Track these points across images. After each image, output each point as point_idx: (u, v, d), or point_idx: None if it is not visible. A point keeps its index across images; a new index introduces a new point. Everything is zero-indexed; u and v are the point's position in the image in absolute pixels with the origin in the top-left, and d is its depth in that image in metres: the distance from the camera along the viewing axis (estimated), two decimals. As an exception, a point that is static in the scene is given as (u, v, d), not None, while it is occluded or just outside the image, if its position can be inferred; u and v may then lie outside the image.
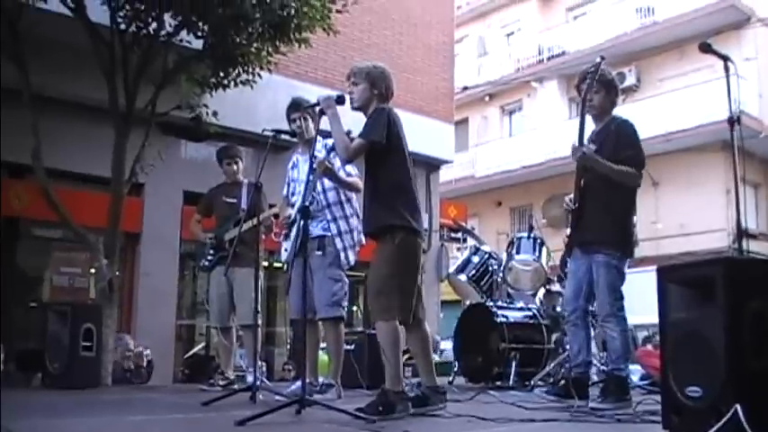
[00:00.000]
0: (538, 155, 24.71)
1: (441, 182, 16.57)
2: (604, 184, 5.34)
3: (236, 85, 9.44)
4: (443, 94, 15.64)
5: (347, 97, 4.88)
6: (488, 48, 29.38)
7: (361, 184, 5.39)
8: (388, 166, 4.71)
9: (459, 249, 19.05)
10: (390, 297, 4.59)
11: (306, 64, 12.68)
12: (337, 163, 5.66)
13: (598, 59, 5.38)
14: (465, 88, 26.51)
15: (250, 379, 6.54)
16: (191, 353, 12.68)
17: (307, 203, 4.70)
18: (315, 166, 4.99)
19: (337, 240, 6.00)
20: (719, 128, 16.98)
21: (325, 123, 4.83)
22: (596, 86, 5.41)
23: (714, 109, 18.43)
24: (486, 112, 28.90)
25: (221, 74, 9.31)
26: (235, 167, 7.50)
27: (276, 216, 6.67)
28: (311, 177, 4.97)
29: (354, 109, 4.94)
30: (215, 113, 9.84)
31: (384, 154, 4.68)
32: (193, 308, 13.22)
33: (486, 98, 28.50)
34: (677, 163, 22.08)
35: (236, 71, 9.26)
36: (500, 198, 27.02)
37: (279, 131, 6.00)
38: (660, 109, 22.23)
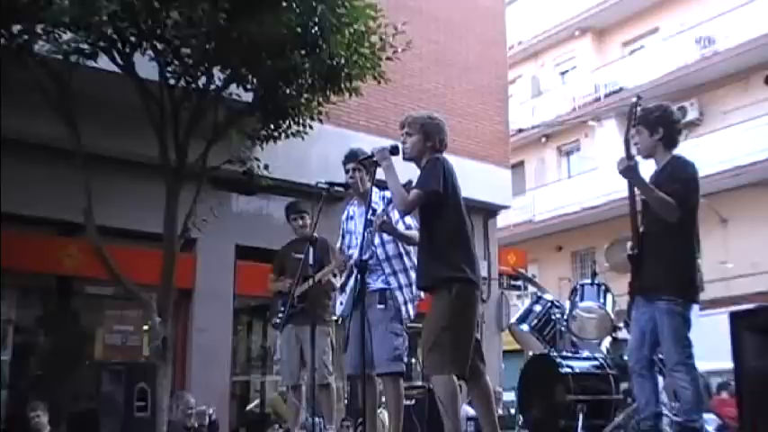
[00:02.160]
0: (598, 196, 24.41)
1: (498, 228, 16.56)
2: (663, 228, 5.30)
3: (287, 136, 9.58)
4: (498, 138, 15.70)
5: (401, 147, 4.96)
6: (543, 87, 29.39)
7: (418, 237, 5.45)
8: (444, 216, 4.77)
9: (519, 297, 18.90)
10: (444, 351, 4.62)
11: (357, 113, 12.84)
12: (395, 215, 5.73)
13: (633, 99, 5.38)
14: (520, 130, 26.48)
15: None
16: (246, 409, 12.74)
17: (365, 257, 4.77)
18: (373, 222, 5.06)
19: (398, 294, 5.99)
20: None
21: (380, 174, 4.92)
22: (637, 127, 5.42)
23: (786, 140, 18.12)
24: (543, 154, 28.82)
25: (272, 126, 9.46)
26: (300, 222, 7.61)
27: (334, 275, 6.78)
28: (369, 230, 5.04)
29: (406, 159, 5.03)
30: (266, 166, 9.95)
31: (439, 205, 4.75)
32: (248, 364, 13.32)
33: (543, 139, 28.43)
34: (746, 198, 21.69)
35: (287, 123, 9.40)
36: (560, 242, 26.80)
37: (332, 184, 6.09)
38: (726, 143, 21.82)
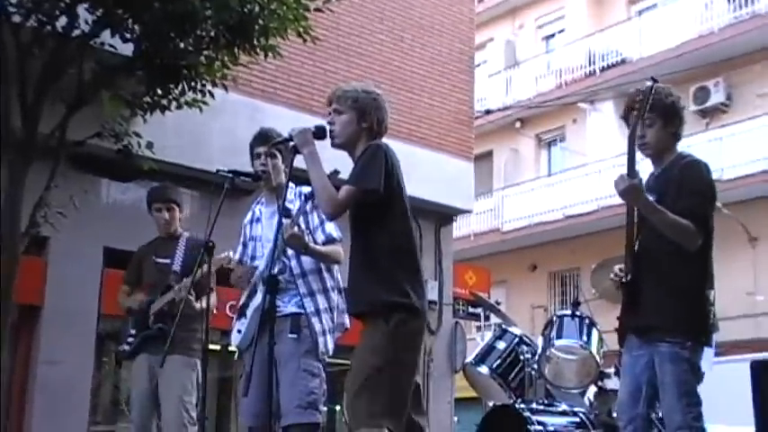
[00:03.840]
0: (587, 201, 24.62)
1: (455, 238, 16.65)
2: (666, 246, 5.30)
3: (179, 106, 9.51)
4: (459, 121, 15.77)
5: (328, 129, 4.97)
6: (520, 56, 29.57)
7: (342, 254, 5.44)
8: (384, 223, 4.80)
9: (479, 330, 19.03)
10: (376, 397, 4.62)
11: (274, 80, 12.82)
12: (315, 220, 5.73)
13: (648, 83, 5.37)
14: (488, 111, 26.65)
15: None
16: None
17: (274, 271, 4.76)
18: (282, 232, 5.04)
19: (314, 321, 5.99)
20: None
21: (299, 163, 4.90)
22: (649, 117, 5.43)
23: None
24: (517, 144, 29.03)
25: (159, 91, 9.37)
26: (167, 216, 7.43)
27: (229, 267, 6.62)
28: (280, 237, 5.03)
29: (335, 146, 5.03)
30: (150, 144, 9.89)
31: (379, 208, 4.76)
32: (114, 409, 13.16)
33: (517, 124, 28.61)
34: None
35: (180, 88, 9.35)
36: (535, 260, 27.01)
37: (239, 173, 6.07)
38: (760, 136, 21.74)
